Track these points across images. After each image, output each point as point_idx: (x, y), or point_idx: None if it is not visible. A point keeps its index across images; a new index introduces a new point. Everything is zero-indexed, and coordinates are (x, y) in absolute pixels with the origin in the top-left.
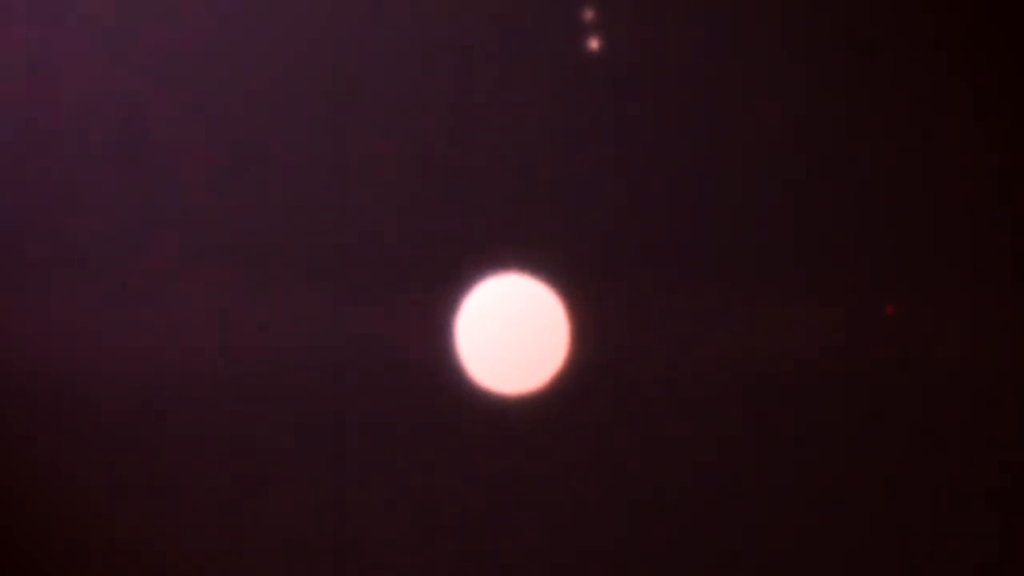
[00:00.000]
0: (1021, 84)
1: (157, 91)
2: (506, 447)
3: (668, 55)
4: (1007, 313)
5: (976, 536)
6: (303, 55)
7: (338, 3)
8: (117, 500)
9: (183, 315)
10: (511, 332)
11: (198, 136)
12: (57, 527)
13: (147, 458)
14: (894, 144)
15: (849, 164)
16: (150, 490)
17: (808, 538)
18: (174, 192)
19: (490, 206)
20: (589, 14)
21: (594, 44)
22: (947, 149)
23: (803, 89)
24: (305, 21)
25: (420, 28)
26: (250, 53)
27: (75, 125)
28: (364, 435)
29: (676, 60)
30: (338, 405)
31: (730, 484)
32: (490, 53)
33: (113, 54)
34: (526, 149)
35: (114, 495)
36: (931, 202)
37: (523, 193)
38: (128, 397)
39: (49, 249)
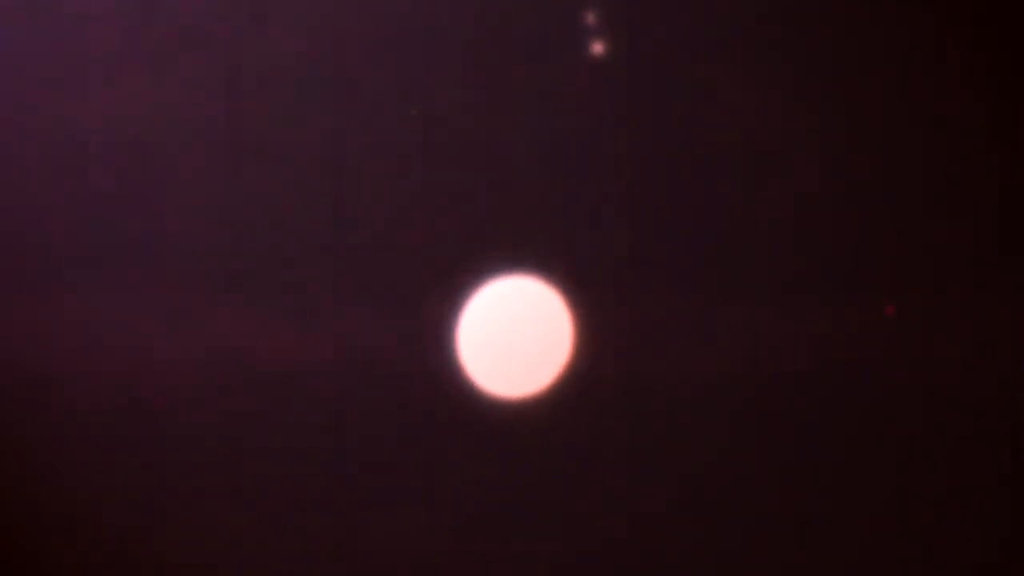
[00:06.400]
0: (1021, 84)
1: (158, 91)
2: (508, 451)
3: (671, 60)
4: (1007, 313)
5: (976, 536)
6: (303, 55)
7: (339, 3)
8: (116, 502)
9: (182, 317)
10: (514, 335)
11: (198, 137)
12: (55, 528)
13: (146, 461)
14: (894, 144)
15: (849, 165)
16: (149, 492)
17: (809, 540)
18: (174, 194)
19: (493, 209)
20: (592, 16)
21: (601, 47)
22: (947, 149)
23: (803, 92)
24: (306, 21)
25: (423, 30)
26: (250, 53)
27: (75, 126)
28: (365, 439)
29: (679, 65)
30: (339, 408)
31: (733, 486)
32: (496, 54)
33: (113, 54)
34: (529, 152)
35: (112, 497)
36: (931, 202)
37: (526, 196)
38: (127, 400)
39: (48, 250)
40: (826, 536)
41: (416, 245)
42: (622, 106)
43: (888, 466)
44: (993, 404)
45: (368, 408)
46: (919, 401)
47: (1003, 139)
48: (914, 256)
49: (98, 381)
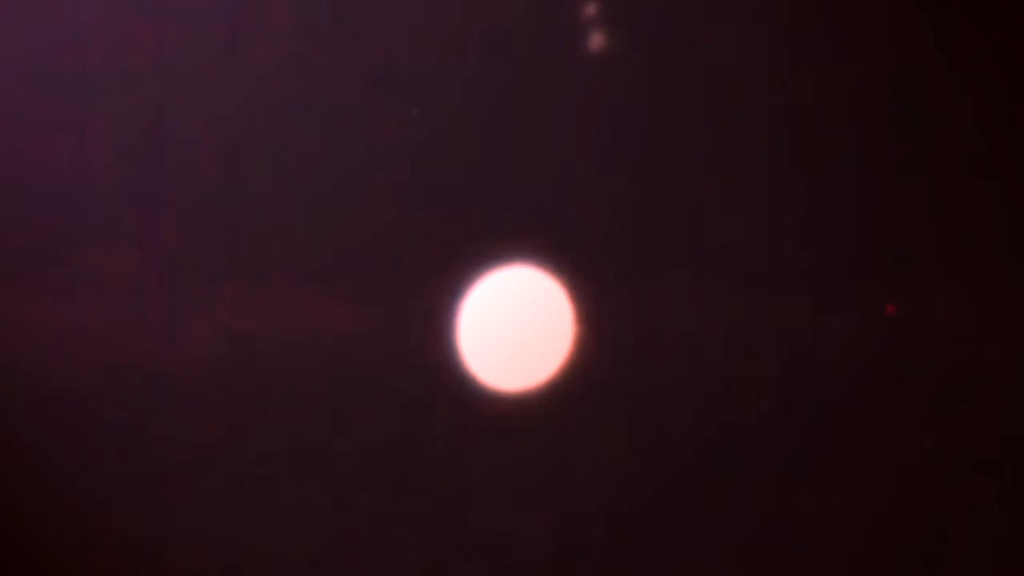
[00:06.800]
0: (1021, 83)
1: (156, 91)
2: (507, 444)
3: (672, 55)
4: (1007, 313)
5: (976, 536)
6: (302, 52)
7: (339, 1)
8: (116, 501)
9: (182, 315)
10: (514, 328)
11: (197, 135)
12: (55, 527)
13: (146, 459)
14: (894, 143)
15: (850, 164)
16: (148, 491)
17: (808, 537)
18: (173, 192)
19: (494, 201)
20: (592, 10)
21: (600, 41)
22: (947, 148)
23: (804, 89)
24: (304, 18)
25: (421, 24)
26: (247, 50)
27: (75, 126)
28: (364, 433)
29: (681, 60)
30: (337, 403)
31: (732, 482)
32: (494, 45)
33: (112, 54)
34: (530, 145)
35: (112, 496)
36: (931, 202)
37: (527, 187)
38: (127, 398)
39: (48, 249)
40: (825, 534)
41: (415, 239)
42: (625, 99)
43: (887, 466)
44: (993, 404)
45: (367, 402)
46: (919, 401)
47: (1003, 139)
48: (914, 256)
49: (96, 382)
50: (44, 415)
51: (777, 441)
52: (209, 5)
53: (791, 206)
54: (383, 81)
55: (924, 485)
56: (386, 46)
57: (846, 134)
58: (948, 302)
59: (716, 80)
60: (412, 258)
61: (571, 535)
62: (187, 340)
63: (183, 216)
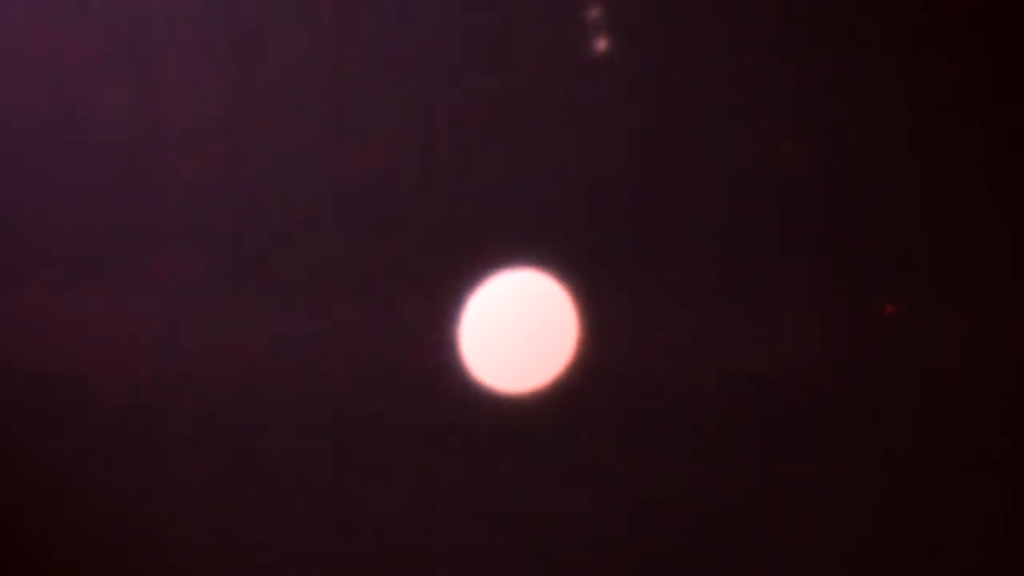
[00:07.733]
0: (1021, 84)
1: (158, 92)
2: (510, 446)
3: (672, 59)
4: (1007, 313)
5: (976, 536)
6: (301, 55)
7: (338, 2)
8: (117, 501)
9: (184, 317)
10: (517, 330)
11: (198, 137)
12: (57, 527)
13: (147, 461)
14: (894, 144)
15: (849, 165)
16: (150, 493)
17: (808, 539)
18: (175, 194)
19: (496, 204)
20: (595, 14)
21: (602, 45)
22: (947, 149)
23: (803, 91)
24: (304, 21)
25: (421, 27)
26: (248, 53)
27: (74, 126)
28: (368, 434)
29: (680, 65)
30: (340, 404)
31: (733, 484)
32: (496, 50)
33: (113, 55)
34: (533, 149)
35: (114, 496)
36: (931, 202)
37: (530, 192)
38: (129, 399)
39: (49, 250)
40: (825, 536)
41: (418, 242)
42: (626, 104)
43: (887, 466)
44: (993, 404)
45: (371, 404)
46: (919, 401)
47: (1003, 139)
48: (914, 256)
49: (97, 381)
50: (43, 416)
51: (777, 441)
52: (209, 8)
53: (791, 208)
54: (388, 83)
55: (924, 485)
56: (388, 49)
57: (846, 136)
58: (948, 303)
59: (716, 84)
60: (415, 263)
61: (573, 536)
62: (187, 343)
63: (184, 219)
